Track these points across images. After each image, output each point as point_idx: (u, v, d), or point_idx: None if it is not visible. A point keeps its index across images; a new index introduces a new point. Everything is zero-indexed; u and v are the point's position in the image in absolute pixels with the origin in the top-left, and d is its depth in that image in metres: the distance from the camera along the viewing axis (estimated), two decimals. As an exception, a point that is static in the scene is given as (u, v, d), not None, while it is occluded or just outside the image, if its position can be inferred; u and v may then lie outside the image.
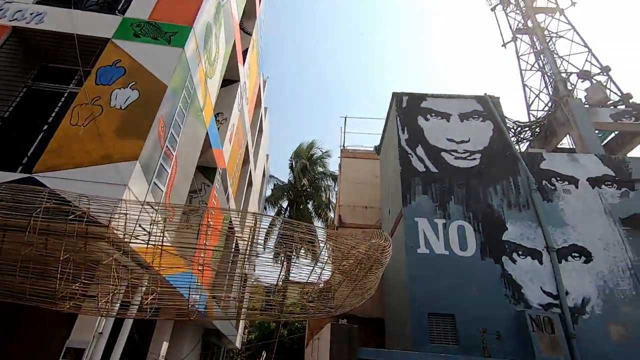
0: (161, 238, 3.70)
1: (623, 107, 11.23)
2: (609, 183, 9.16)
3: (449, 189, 9.16)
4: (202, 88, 6.29)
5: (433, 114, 10.53)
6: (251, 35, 10.74)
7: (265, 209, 22.67)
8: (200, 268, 4.19)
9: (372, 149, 14.69)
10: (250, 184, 14.51)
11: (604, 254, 8.18)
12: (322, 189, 22.51)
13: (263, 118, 16.31)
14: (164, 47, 5.06)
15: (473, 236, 8.47)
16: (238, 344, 15.99)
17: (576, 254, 8.20)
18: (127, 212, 3.74)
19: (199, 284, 6.79)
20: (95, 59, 4.90)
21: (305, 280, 5.04)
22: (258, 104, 14.52)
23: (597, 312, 7.53)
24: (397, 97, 11.04)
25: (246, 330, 25.16)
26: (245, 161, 12.91)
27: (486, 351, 6.86)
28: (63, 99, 5.17)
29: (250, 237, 5.27)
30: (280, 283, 6.00)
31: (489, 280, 7.89)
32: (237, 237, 9.41)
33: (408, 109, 10.71)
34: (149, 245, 3.77)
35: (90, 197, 3.57)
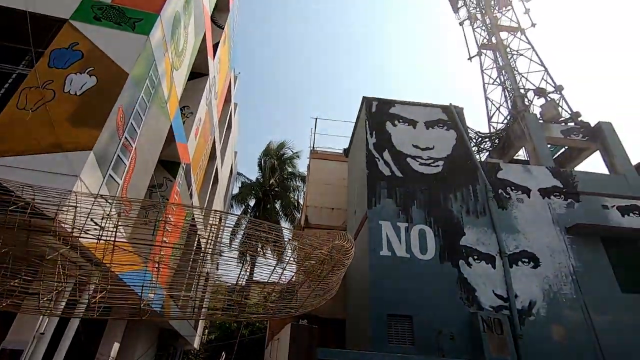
0: (114, 233, 3.52)
1: (572, 124, 12.10)
2: (557, 194, 9.84)
3: (412, 194, 9.43)
4: (167, 79, 6.06)
5: (401, 120, 10.81)
6: (223, 28, 10.50)
7: (231, 207, 22.25)
8: (156, 265, 4.02)
9: (341, 151, 14.84)
10: (216, 180, 14.17)
11: (550, 260, 8.76)
12: (291, 189, 22.46)
13: (232, 114, 16.00)
14: (127, 34, 4.82)
15: (433, 240, 8.77)
16: (196, 345, 15.55)
17: (526, 260, 8.72)
18: (78, 204, 3.53)
19: (156, 282, 6.53)
20: (50, 40, 4.58)
21: (267, 280, 4.99)
22: (228, 100, 14.22)
23: (542, 314, 8.04)
24: (367, 101, 11.24)
25: (206, 331, 24.50)
26: (212, 157, 12.59)
27: (440, 351, 7.11)
28: (11, 80, 4.79)
29: (212, 235, 5.15)
30: (242, 282, 5.91)
31: (446, 283, 8.20)
32: (199, 235, 9.16)
33: (377, 114, 10.92)
34: (101, 241, 3.57)
35: (35, 187, 3.32)
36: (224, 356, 19.33)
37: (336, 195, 14.04)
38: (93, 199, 3.63)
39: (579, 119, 12.23)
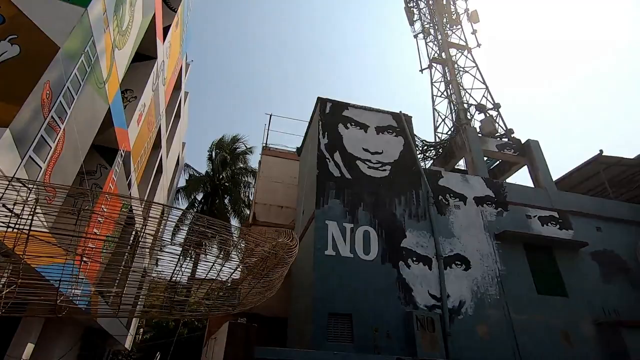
0: (30, 221, 3.16)
1: (506, 139, 13.22)
2: (489, 203, 10.68)
3: (359, 196, 9.68)
4: (107, 58, 5.61)
5: (353, 124, 11.05)
6: (176, 11, 9.97)
7: (176, 200, 21.23)
8: (80, 259, 3.68)
9: (294, 149, 14.82)
10: (160, 171, 13.42)
11: (479, 263, 9.48)
12: (242, 185, 21.96)
13: (182, 103, 15.26)
14: (61, 3, 4.37)
15: (376, 241, 9.07)
16: (128, 345, 14.58)
17: (459, 262, 9.35)
18: (-14, 187, 3.12)
19: (80, 276, 6.01)
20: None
21: (204, 277, 4.81)
22: (177, 87, 13.54)
23: (469, 313, 8.67)
24: (321, 102, 11.33)
25: (141, 330, 23.09)
26: (156, 146, 11.90)
27: (376, 348, 7.37)
28: None
29: (148, 228, 4.85)
30: (179, 279, 5.63)
31: (386, 283, 8.53)
32: (137, 228, 8.60)
33: (330, 115, 11.06)
34: (14, 229, 3.19)
35: None
36: (158, 356, 18.35)
37: (286, 194, 13.99)
38: (7, 182, 3.24)
39: (512, 135, 13.39)
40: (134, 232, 9.18)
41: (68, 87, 4.45)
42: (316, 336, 7.40)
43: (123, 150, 7.73)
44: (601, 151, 12.80)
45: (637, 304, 9.89)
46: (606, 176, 13.62)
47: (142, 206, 9.30)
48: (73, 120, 4.72)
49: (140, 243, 5.47)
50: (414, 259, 9.08)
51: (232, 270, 5.41)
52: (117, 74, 6.31)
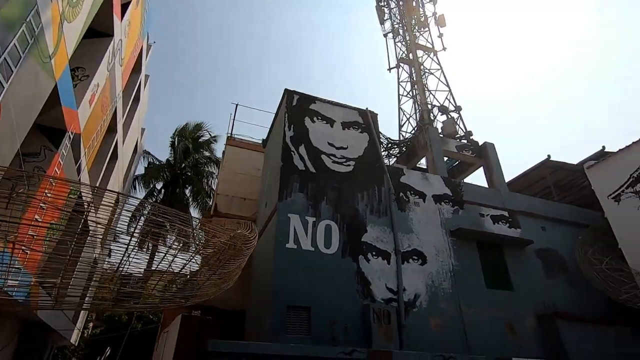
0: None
1: (465, 141, 13.80)
2: (447, 201, 11.12)
3: (323, 190, 9.71)
4: (54, 31, 5.16)
5: (319, 117, 11.03)
6: (137, -12, 9.40)
7: (134, 188, 20.22)
8: (12, 247, 3.36)
9: (259, 141, 14.56)
10: (115, 157, 12.68)
11: (435, 259, 9.86)
12: (205, 174, 21.30)
13: (142, 86, 14.48)
14: (-2, -36, 3.94)
15: (337, 236, 9.16)
16: (75, 340, 13.75)
17: (416, 257, 9.67)
18: None
19: (21, 267, 5.58)
20: None
21: (155, 268, 4.61)
22: (137, 69, 12.82)
23: (423, 306, 9.01)
24: (288, 94, 11.20)
25: (90, 324, 21.89)
26: (112, 130, 11.22)
27: (333, 340, 7.46)
28: None
29: (86, 214, 4.56)
30: (128, 270, 5.36)
31: (345, 276, 8.64)
32: (87, 216, 8.08)
33: (297, 108, 10.97)
34: None
35: None
36: (108, 352, 17.51)
37: (250, 186, 13.74)
38: None
39: (471, 137, 14.01)
40: (82, 221, 8.61)
41: (6, 59, 4.04)
42: (274, 329, 7.36)
43: (72, 132, 7.20)
44: (549, 156, 13.72)
45: (572, 299, 10.75)
46: (552, 180, 14.64)
47: (94, 193, 8.75)
48: (10, 96, 4.30)
49: (91, 232, 5.15)
50: (374, 253, 9.27)
51: (186, 262, 5.24)
52: (66, 49, 5.84)
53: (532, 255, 11.13)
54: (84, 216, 7.36)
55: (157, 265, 4.34)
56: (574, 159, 15.74)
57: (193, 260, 5.42)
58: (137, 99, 14.13)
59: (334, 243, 9.01)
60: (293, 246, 8.57)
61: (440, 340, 8.55)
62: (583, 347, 9.25)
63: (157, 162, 20.15)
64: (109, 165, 12.27)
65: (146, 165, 20.05)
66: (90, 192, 8.06)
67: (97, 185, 10.94)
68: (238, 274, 6.25)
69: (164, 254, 4.22)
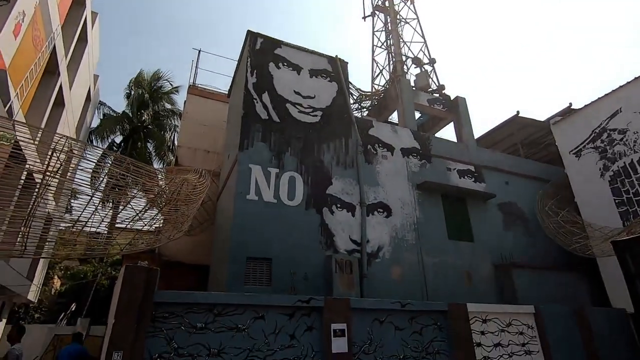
0: None
1: (437, 95, 13.50)
2: (415, 155, 10.99)
3: (287, 141, 9.25)
4: None
5: (285, 64, 10.29)
6: None
7: (90, 142, 18.91)
8: None
9: (225, 91, 13.64)
10: (61, 103, 11.52)
11: (400, 211, 9.86)
12: (167, 128, 20.13)
13: (89, 25, 12.93)
14: None
15: (302, 188, 8.87)
16: (33, 297, 13.27)
17: (381, 210, 9.62)
18: None
19: None
20: None
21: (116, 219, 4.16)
22: (80, 3, 11.32)
23: (386, 257, 9.11)
24: (252, 36, 10.28)
25: (54, 281, 21.36)
26: (52, 72, 10.04)
27: (293, 290, 7.42)
28: None
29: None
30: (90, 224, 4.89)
31: (308, 228, 8.49)
32: (29, 167, 7.32)
33: (261, 53, 10.13)
34: None
35: None
36: (73, 307, 17.22)
37: (214, 138, 13.03)
38: None
39: (443, 91, 13.70)
40: (24, 172, 7.81)
41: None
42: (232, 279, 7.20)
43: (-8, 67, 6.24)
44: (518, 112, 13.73)
45: (528, 248, 11.25)
46: (520, 136, 14.82)
47: (34, 140, 7.87)
48: None
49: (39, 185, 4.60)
50: (338, 205, 9.11)
51: (143, 209, 4.84)
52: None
53: (494, 208, 11.40)
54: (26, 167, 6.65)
55: (83, 212, 3.88)
56: (545, 116, 15.88)
57: (149, 209, 5.02)
58: (83, 39, 12.66)
59: (297, 195, 8.74)
60: (254, 198, 8.24)
61: (401, 289, 8.74)
62: (531, 291, 9.80)
63: (113, 114, 18.73)
64: (54, 113, 11.16)
65: (102, 117, 18.61)
66: (30, 138, 7.27)
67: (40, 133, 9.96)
68: (189, 220, 5.91)
69: (122, 207, 3.76)
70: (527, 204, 11.93)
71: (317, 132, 9.74)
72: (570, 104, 13.21)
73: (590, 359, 8.47)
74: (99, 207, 4.31)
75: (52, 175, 4.58)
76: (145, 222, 4.73)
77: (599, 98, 11.55)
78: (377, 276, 8.72)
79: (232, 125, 10.82)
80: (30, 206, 5.97)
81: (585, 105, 11.85)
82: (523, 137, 15.04)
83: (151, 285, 5.21)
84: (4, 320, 11.55)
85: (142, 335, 4.96)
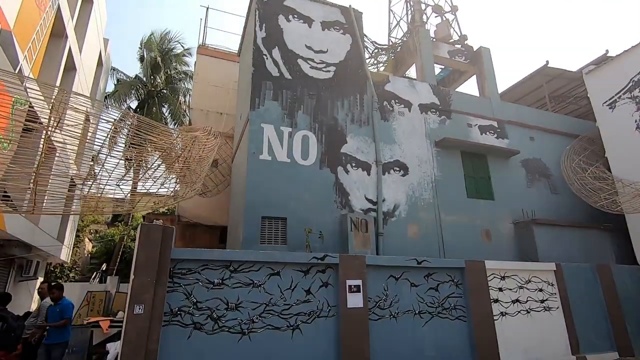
0: None
1: (459, 46, 12.61)
2: (434, 110, 10.47)
3: (300, 98, 8.93)
4: None
5: (296, 16, 9.70)
6: None
7: (107, 108, 18.97)
8: None
9: (235, 50, 13.17)
10: (72, 67, 11.44)
11: (417, 169, 9.58)
12: (181, 91, 19.93)
13: (93, -16, 12.48)
14: None
15: (315, 147, 8.66)
16: (65, 257, 14.05)
17: (397, 168, 9.37)
18: None
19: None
20: None
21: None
22: (80, -41, 10.85)
23: (402, 216, 8.98)
24: (259, -14, 9.66)
25: (85, 244, 22.56)
26: (59, 35, 9.86)
27: (308, 248, 7.47)
28: None
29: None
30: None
31: (323, 188, 8.38)
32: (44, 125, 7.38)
33: (270, 5, 9.55)
34: None
35: None
36: (104, 267, 18.28)
37: (226, 99, 12.78)
38: None
39: (465, 42, 12.77)
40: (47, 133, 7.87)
41: None
42: (247, 238, 7.28)
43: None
44: (547, 62, 12.73)
45: (551, 205, 10.86)
46: (548, 89, 13.86)
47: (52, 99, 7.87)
48: None
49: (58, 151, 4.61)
50: (353, 164, 8.90)
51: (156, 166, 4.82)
52: None
53: (517, 165, 10.93)
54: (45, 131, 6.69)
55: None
56: (576, 67, 14.72)
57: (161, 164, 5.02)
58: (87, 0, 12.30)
59: (311, 154, 8.55)
60: (267, 158, 8.11)
61: (417, 247, 8.68)
62: (553, 248, 9.57)
63: (127, 78, 18.59)
64: (67, 77, 11.13)
65: (115, 82, 18.54)
66: (51, 99, 7.28)
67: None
68: (200, 180, 5.90)
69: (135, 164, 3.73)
70: (553, 161, 11.37)
71: (330, 89, 9.34)
72: (607, 51, 12.11)
73: (612, 316, 8.36)
74: (116, 166, 4.31)
75: (54, 129, 4.56)
76: (157, 180, 4.71)
77: (639, 43, 10.50)
78: (393, 235, 8.65)
79: (243, 84, 10.51)
80: (37, 161, 6.11)
81: (624, 51, 10.82)
82: (552, 90, 14.06)
83: (167, 242, 5.30)
84: (40, 279, 12.34)
85: (162, 290, 5.13)
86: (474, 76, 12.64)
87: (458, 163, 10.16)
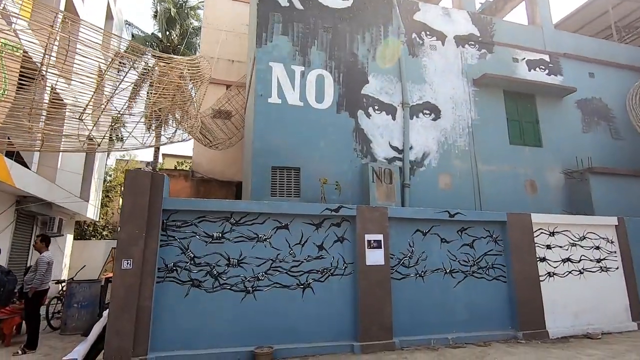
0: None
1: (506, -34, 10.57)
2: (472, 43, 8.92)
3: (313, 32, 7.74)
4: None
5: None
6: None
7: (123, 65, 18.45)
8: None
9: (246, -10, 11.89)
10: (74, 19, 10.69)
11: (451, 112, 8.30)
12: (197, 47, 18.93)
13: None
14: None
15: (332, 87, 7.59)
16: (92, 216, 14.25)
17: (427, 111, 8.14)
18: None
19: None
20: None
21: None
22: None
23: (432, 165, 7.89)
24: None
25: (115, 204, 23.23)
26: (51, -25, 9.02)
27: (323, 200, 6.67)
28: None
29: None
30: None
31: (341, 134, 7.40)
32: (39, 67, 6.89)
33: None
34: None
35: None
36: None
37: (237, 45, 11.75)
38: None
39: (514, -40, 10.68)
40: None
41: None
42: (256, 190, 6.57)
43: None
44: (616, -20, 10.47)
45: (611, 152, 9.29)
46: (615, 16, 11.59)
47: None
48: None
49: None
50: (376, 107, 7.78)
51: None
52: None
53: (572, 106, 9.31)
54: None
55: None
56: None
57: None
58: (84, -62, 11.26)
59: (327, 96, 7.51)
60: (277, 101, 7.17)
61: (450, 199, 7.65)
62: (612, 200, 8.22)
63: (142, 35, 17.78)
64: (70, 30, 10.42)
65: (130, 38, 17.79)
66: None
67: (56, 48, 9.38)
68: (198, 107, 5.17)
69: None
70: (616, 100, 9.62)
71: (349, 20, 8.04)
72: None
73: (684, 277, 7.10)
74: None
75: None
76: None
77: None
78: (421, 186, 7.65)
79: (251, 22, 9.38)
80: (32, 96, 5.66)
81: None
82: (619, 16, 11.75)
83: (158, 191, 4.65)
84: (68, 235, 12.59)
85: (154, 243, 4.56)
86: (522, 3, 10.70)
87: (500, 105, 8.73)
